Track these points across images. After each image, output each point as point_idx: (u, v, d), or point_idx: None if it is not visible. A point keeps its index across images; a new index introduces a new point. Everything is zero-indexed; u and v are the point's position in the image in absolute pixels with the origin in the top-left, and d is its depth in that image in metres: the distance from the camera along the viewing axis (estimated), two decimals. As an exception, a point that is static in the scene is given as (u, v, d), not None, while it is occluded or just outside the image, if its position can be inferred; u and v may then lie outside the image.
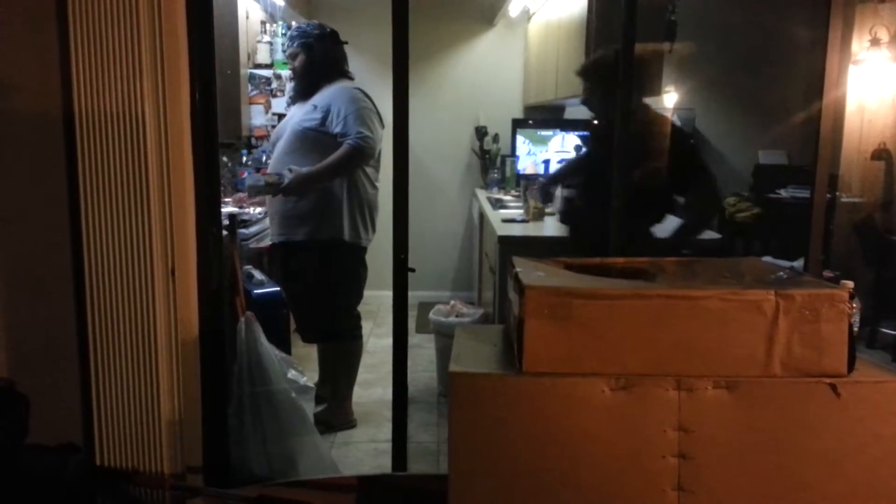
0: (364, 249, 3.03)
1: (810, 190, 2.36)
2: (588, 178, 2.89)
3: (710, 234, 3.22)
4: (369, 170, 2.93)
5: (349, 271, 2.99)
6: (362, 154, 2.78)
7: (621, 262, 1.86)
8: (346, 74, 3.05)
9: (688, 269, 1.77)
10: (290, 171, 2.68)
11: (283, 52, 4.10)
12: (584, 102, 2.92)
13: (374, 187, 3.00)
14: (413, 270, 2.06)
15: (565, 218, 3.08)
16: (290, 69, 3.09)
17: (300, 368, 2.16)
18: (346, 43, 3.09)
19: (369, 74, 5.02)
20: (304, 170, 2.71)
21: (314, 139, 2.80)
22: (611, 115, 2.55)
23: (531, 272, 1.61)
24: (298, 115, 2.88)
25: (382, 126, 2.89)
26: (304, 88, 2.94)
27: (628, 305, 1.42)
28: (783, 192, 4.79)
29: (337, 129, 2.77)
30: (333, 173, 2.79)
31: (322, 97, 2.88)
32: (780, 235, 4.59)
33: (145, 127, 1.74)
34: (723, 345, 1.41)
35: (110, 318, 1.78)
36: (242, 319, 2.05)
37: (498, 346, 1.67)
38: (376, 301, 5.02)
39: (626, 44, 1.99)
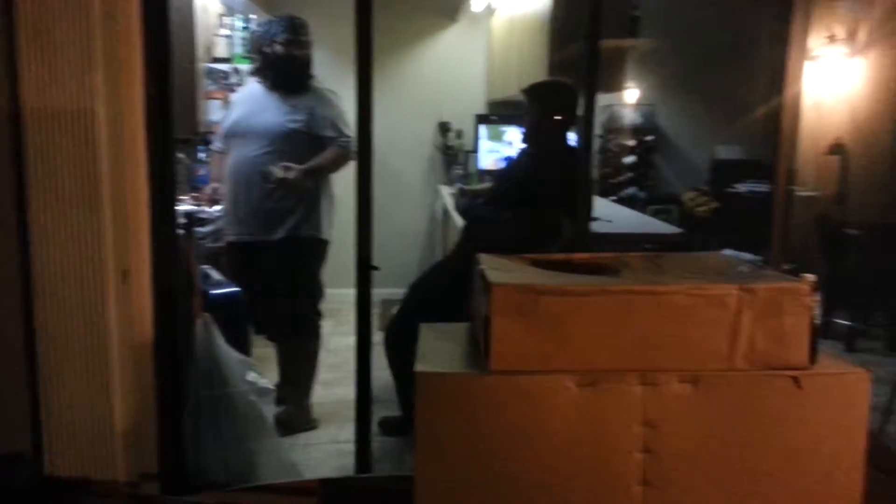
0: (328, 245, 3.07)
1: (770, 184, 2.39)
2: (506, 186, 2.99)
3: (671, 229, 3.25)
4: None
5: (319, 267, 3.04)
6: (351, 156, 2.79)
7: (586, 257, 1.85)
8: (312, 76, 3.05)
9: (653, 263, 1.77)
10: (286, 167, 2.72)
11: (246, 46, 4.02)
12: (520, 119, 3.01)
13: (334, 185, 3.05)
14: (377, 269, 2.03)
15: (466, 215, 3.17)
16: (276, 55, 2.89)
17: (259, 370, 2.11)
18: None
19: (330, 69, 4.96)
20: (304, 166, 2.75)
21: (298, 140, 2.82)
22: (541, 138, 2.80)
23: (496, 269, 1.59)
24: (273, 114, 2.84)
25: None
26: (291, 83, 2.91)
27: (594, 301, 1.41)
28: (740, 187, 4.88)
29: (326, 133, 2.84)
30: (324, 172, 2.87)
31: (302, 99, 2.89)
32: (739, 229, 4.66)
33: (97, 122, 1.67)
34: (687, 339, 1.41)
35: (60, 320, 1.71)
36: (199, 321, 1.99)
37: (464, 345, 1.65)
38: (338, 299, 4.94)
39: (591, 39, 1.98)
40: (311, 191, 2.85)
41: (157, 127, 1.79)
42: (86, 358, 1.73)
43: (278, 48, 2.85)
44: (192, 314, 2.00)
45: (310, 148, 2.83)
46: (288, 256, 2.82)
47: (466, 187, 3.79)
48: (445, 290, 2.77)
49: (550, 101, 2.81)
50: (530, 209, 2.71)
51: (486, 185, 3.85)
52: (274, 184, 2.71)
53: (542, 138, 2.82)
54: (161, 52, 1.78)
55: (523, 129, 2.94)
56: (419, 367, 1.46)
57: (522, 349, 1.41)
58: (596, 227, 3.27)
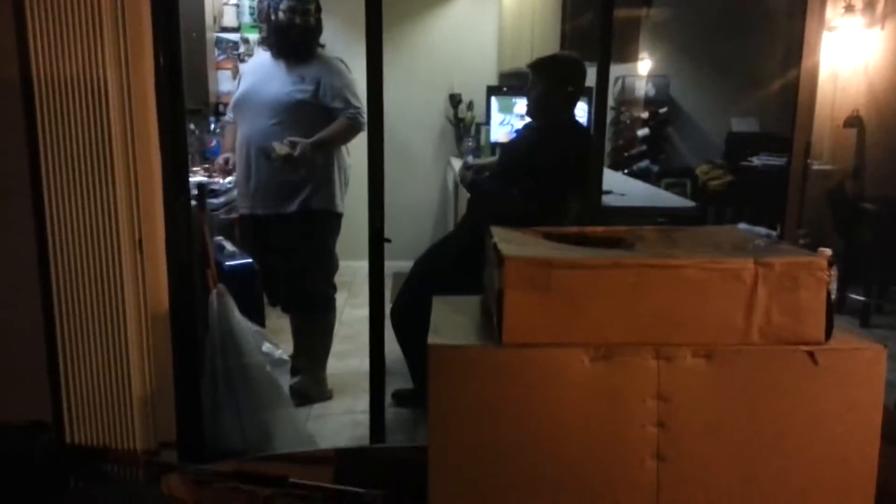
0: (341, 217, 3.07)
1: (787, 158, 2.36)
2: (512, 160, 2.97)
3: (685, 202, 3.23)
4: None
5: (333, 240, 3.04)
6: (360, 127, 2.79)
7: (600, 231, 1.84)
8: (322, 45, 3.00)
9: (667, 237, 1.76)
10: (292, 142, 2.67)
11: (254, 15, 3.97)
12: (525, 93, 3.00)
13: (348, 153, 3.01)
14: (389, 241, 2.03)
15: (472, 188, 3.14)
16: (288, 23, 2.80)
17: (274, 341, 2.13)
18: None
19: (340, 39, 4.92)
20: (311, 140, 2.70)
21: (307, 112, 2.78)
22: (547, 112, 2.76)
23: (510, 242, 1.59)
24: (280, 84, 2.79)
25: None
26: (296, 52, 2.84)
27: (608, 275, 1.41)
28: (755, 160, 4.83)
29: (334, 104, 2.79)
30: (332, 145, 2.83)
31: (310, 69, 2.83)
32: (753, 203, 4.63)
33: (108, 93, 1.67)
34: (702, 313, 1.41)
35: (76, 291, 1.72)
36: (214, 292, 2.00)
37: (476, 318, 1.65)
38: (351, 272, 4.98)
39: (605, 8, 1.94)
40: (321, 163, 2.82)
41: (168, 97, 1.78)
42: (103, 328, 1.74)
43: (281, 15, 2.79)
44: (206, 285, 2.01)
45: (318, 119, 2.79)
46: (301, 230, 2.81)
47: (471, 161, 3.76)
48: (452, 263, 2.76)
49: (558, 75, 2.77)
50: (536, 184, 2.70)
51: (492, 158, 3.83)
52: (276, 161, 2.67)
53: (548, 112, 2.79)
54: (169, 21, 1.77)
55: (528, 103, 2.88)
56: (432, 339, 1.46)
57: (535, 322, 1.41)
58: (608, 200, 3.26)
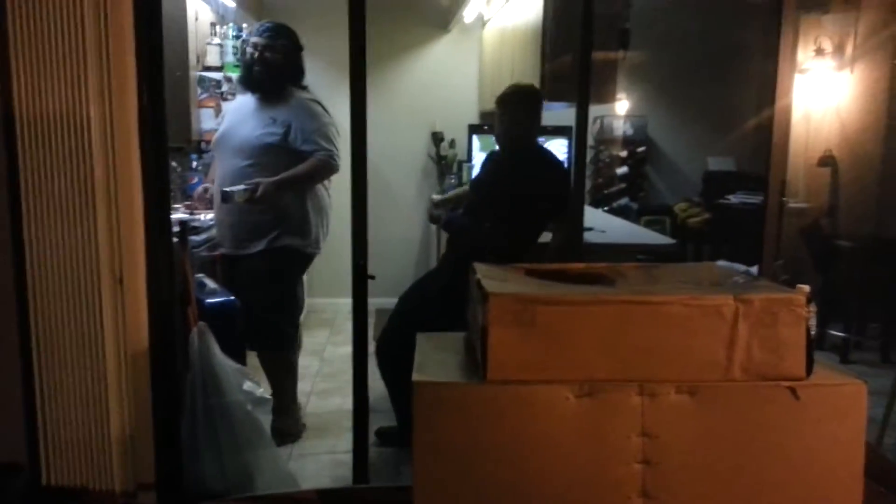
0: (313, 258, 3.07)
1: (763, 195, 2.41)
2: (483, 192, 3.05)
3: (664, 239, 3.27)
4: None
5: (296, 280, 3.02)
6: (330, 170, 2.82)
7: (580, 267, 1.85)
8: (303, 86, 3.01)
9: (647, 274, 1.78)
10: (255, 184, 2.65)
11: (235, 53, 4.01)
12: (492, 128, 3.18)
13: (328, 195, 3.03)
14: (373, 278, 2.03)
15: (447, 227, 3.21)
16: (253, 58, 2.82)
17: (256, 379, 2.10)
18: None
19: (323, 79, 4.97)
20: (274, 179, 2.68)
21: (277, 154, 2.76)
22: (515, 141, 2.88)
23: (493, 278, 1.59)
24: (252, 126, 2.79)
25: (339, 136, 2.87)
26: (264, 90, 2.83)
27: (591, 311, 1.42)
28: (732, 198, 4.91)
29: (304, 147, 2.78)
30: (299, 184, 2.80)
31: (282, 111, 2.82)
32: (731, 240, 4.69)
33: (90, 130, 1.67)
34: (684, 349, 1.42)
35: (55, 329, 1.70)
36: (195, 330, 1.98)
37: (461, 355, 1.65)
38: (332, 308, 4.96)
39: (583, 51, 1.99)
40: (292, 203, 2.80)
41: (151, 134, 1.79)
42: (81, 366, 1.72)
43: (249, 51, 2.82)
44: (187, 322, 1.99)
45: (290, 162, 2.76)
46: (265, 268, 2.78)
47: (436, 197, 3.79)
48: (435, 300, 2.79)
49: (519, 105, 2.87)
50: (509, 213, 2.75)
51: (457, 191, 3.92)
52: (235, 205, 2.64)
53: (515, 141, 2.88)
54: (153, 59, 1.78)
55: (496, 137, 3.00)
56: (416, 376, 1.46)
57: (520, 359, 1.41)
58: (589, 237, 3.29)
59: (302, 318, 4.57)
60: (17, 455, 1.71)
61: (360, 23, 1.97)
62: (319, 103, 2.94)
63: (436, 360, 1.59)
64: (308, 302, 4.97)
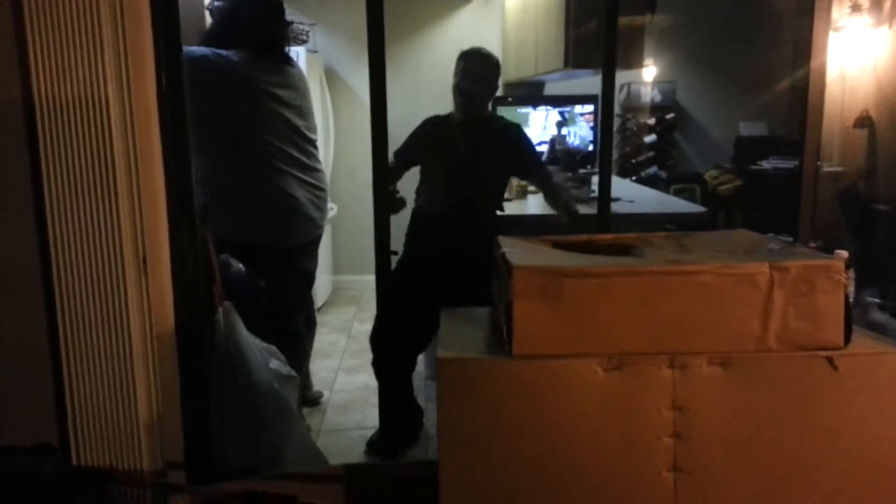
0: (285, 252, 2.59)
1: (799, 160, 2.33)
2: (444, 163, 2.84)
3: (694, 208, 3.19)
4: (292, 150, 2.52)
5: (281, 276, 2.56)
6: None
7: (609, 238, 1.81)
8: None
9: (678, 243, 1.73)
10: None
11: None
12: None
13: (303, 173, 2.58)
14: (395, 253, 2.01)
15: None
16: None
17: (283, 357, 2.10)
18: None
19: (343, 54, 4.94)
20: None
21: None
22: (472, 108, 2.76)
23: (518, 251, 1.56)
24: None
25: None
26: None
27: (620, 283, 1.38)
28: (764, 164, 4.79)
29: None
30: None
31: None
32: (763, 206, 4.58)
33: (110, 111, 1.66)
34: (717, 320, 1.37)
35: (81, 312, 1.71)
36: (220, 310, 1.98)
37: (486, 330, 1.63)
38: (359, 286, 4.97)
39: (609, 14, 1.92)
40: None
41: (171, 115, 1.77)
42: (108, 348, 1.72)
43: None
44: (213, 302, 1.99)
45: None
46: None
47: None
48: (410, 289, 2.63)
49: (488, 69, 2.82)
50: (481, 178, 2.72)
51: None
52: None
53: (479, 107, 2.82)
54: (171, 39, 1.76)
55: (461, 102, 2.83)
56: (441, 352, 1.43)
57: (547, 333, 1.38)
58: (617, 207, 3.23)
59: (324, 299, 4.59)
60: (48, 437, 1.73)
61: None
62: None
63: (460, 335, 1.57)
64: (334, 279, 4.99)
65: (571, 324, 1.38)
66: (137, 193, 1.71)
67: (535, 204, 3.36)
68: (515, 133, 2.86)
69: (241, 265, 2.32)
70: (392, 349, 2.54)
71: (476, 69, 2.74)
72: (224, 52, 2.39)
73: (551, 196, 2.87)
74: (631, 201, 3.24)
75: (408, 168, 2.89)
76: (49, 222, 1.67)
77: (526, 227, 3.09)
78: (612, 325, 1.38)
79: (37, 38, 1.62)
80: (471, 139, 2.75)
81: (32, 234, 1.69)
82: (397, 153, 2.81)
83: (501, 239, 1.70)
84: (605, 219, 2.03)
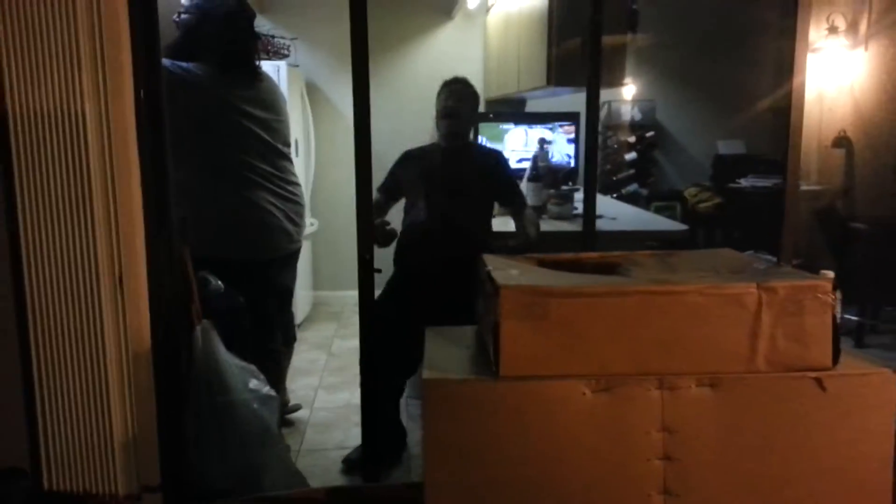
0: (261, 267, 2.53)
1: (776, 179, 2.34)
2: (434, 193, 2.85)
3: (675, 225, 3.20)
4: (264, 165, 2.47)
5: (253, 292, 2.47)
6: None
7: (595, 256, 1.80)
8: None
9: (663, 262, 1.72)
10: None
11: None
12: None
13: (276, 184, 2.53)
14: (379, 271, 1.98)
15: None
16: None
17: (262, 377, 2.05)
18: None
19: (324, 68, 4.92)
20: None
21: None
22: (455, 137, 2.85)
23: (504, 271, 1.54)
24: None
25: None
26: None
27: (607, 303, 1.36)
28: (743, 182, 4.84)
29: None
30: None
31: None
32: (743, 225, 4.62)
33: (86, 125, 1.62)
34: (705, 341, 1.36)
35: (54, 331, 1.66)
36: (199, 328, 1.93)
37: (472, 349, 1.60)
38: (339, 302, 4.92)
39: (594, 33, 1.92)
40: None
41: (149, 128, 1.74)
42: (82, 368, 1.67)
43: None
44: (190, 321, 1.94)
45: None
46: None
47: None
48: (399, 312, 2.61)
49: (470, 98, 2.90)
50: (468, 206, 2.76)
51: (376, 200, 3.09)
52: None
53: (460, 136, 2.89)
54: (151, 50, 1.73)
55: (445, 133, 2.91)
56: (426, 373, 1.40)
57: (534, 353, 1.36)
58: (600, 224, 3.23)
59: (304, 315, 4.53)
60: (18, 460, 1.67)
61: (361, 12, 1.90)
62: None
63: (446, 354, 1.54)
64: (314, 295, 4.94)
65: (559, 344, 1.36)
66: (114, 209, 1.67)
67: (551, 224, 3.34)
68: (495, 160, 2.96)
69: (219, 282, 2.27)
70: (381, 373, 2.51)
71: (456, 99, 2.82)
72: (184, 65, 2.36)
73: (519, 224, 2.88)
74: (613, 218, 3.24)
75: (395, 201, 2.92)
76: (22, 239, 1.63)
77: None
78: (599, 345, 1.36)
79: (10, 49, 1.58)
80: (453, 167, 2.82)
81: (4, 250, 1.64)
82: (381, 188, 2.86)
83: (486, 257, 1.68)
84: (591, 237, 2.02)
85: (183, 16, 2.46)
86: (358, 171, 1.92)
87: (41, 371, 1.66)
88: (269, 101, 2.58)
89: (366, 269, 1.96)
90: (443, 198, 2.76)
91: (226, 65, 2.44)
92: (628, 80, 4.64)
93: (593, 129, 2.02)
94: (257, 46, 2.60)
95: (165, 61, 2.33)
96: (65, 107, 1.61)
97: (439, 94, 2.87)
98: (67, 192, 1.63)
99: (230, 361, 1.98)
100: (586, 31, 2.95)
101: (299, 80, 4.60)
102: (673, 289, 1.36)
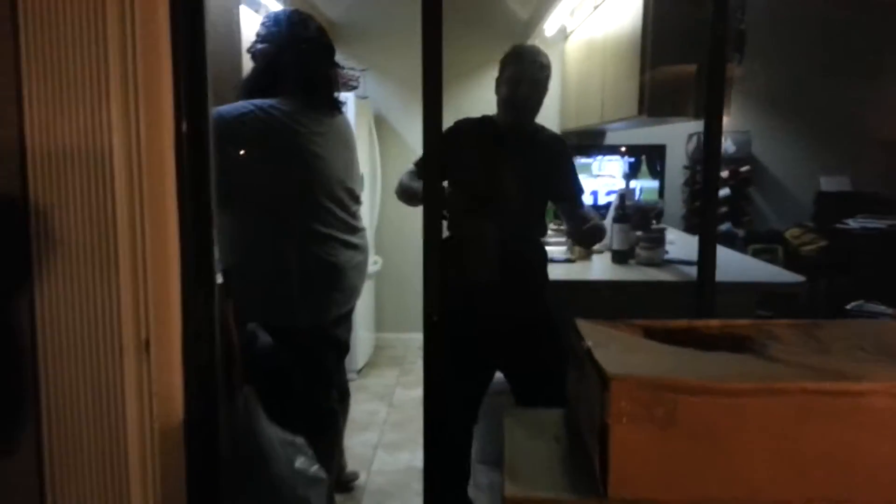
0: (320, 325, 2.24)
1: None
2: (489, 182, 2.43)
3: (788, 276, 2.78)
4: (337, 209, 2.20)
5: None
6: None
7: (716, 325, 1.45)
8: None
9: (809, 336, 1.36)
10: None
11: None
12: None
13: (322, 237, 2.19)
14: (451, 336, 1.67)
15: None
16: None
17: (310, 453, 1.77)
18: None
19: (393, 100, 4.72)
20: None
21: None
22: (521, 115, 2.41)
23: (607, 347, 1.21)
24: None
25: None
26: None
27: (758, 404, 1.01)
28: (851, 223, 4.34)
29: None
30: None
31: None
32: (851, 271, 4.12)
33: (112, 162, 1.38)
34: (890, 460, 1.00)
35: (67, 401, 1.41)
36: (240, 396, 1.67)
37: (562, 442, 1.28)
38: (402, 345, 4.63)
39: (715, 55, 1.60)
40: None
41: (191, 169, 1.49)
42: (98, 449, 1.42)
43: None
44: (231, 388, 1.68)
45: None
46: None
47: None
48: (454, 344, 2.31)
49: (542, 70, 2.50)
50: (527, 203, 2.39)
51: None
52: None
53: (529, 112, 2.47)
54: (196, 76, 1.49)
55: (506, 106, 2.47)
56: (509, 487, 1.09)
57: (654, 470, 1.02)
58: (692, 271, 2.84)
59: (365, 360, 4.25)
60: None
61: (435, 39, 1.64)
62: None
63: (530, 455, 1.23)
64: (376, 337, 4.67)
65: (689, 458, 1.03)
66: (143, 262, 1.42)
67: (601, 268, 2.99)
68: (562, 148, 2.52)
69: (268, 337, 2.01)
70: (441, 423, 2.24)
71: (528, 73, 2.40)
72: (267, 104, 2.11)
73: (574, 223, 2.51)
74: (713, 266, 2.84)
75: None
76: (36, 293, 1.39)
77: (591, 292, 2.72)
78: (746, 462, 1.02)
79: (31, 72, 1.37)
80: (514, 147, 2.40)
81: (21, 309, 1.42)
82: (419, 163, 2.39)
83: (580, 324, 1.36)
84: (709, 299, 1.66)
85: (259, 46, 2.23)
86: (427, 213, 1.63)
87: (52, 451, 1.42)
88: (347, 136, 2.34)
89: (433, 331, 1.66)
90: (496, 182, 2.36)
91: (307, 97, 2.20)
92: (728, 109, 4.25)
93: (714, 164, 1.69)
94: (337, 76, 2.36)
95: (247, 104, 2.10)
96: (88, 140, 1.38)
97: (505, 65, 2.47)
98: (88, 243, 1.39)
99: (275, 435, 1.71)
100: (690, 55, 2.64)
101: (367, 112, 4.41)
102: (850, 387, 1.01)
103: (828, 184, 4.67)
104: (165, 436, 1.48)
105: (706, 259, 1.61)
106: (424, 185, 1.65)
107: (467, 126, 2.44)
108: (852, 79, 4.29)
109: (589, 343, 1.22)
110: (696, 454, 1.02)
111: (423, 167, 1.67)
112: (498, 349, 2.35)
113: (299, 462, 1.71)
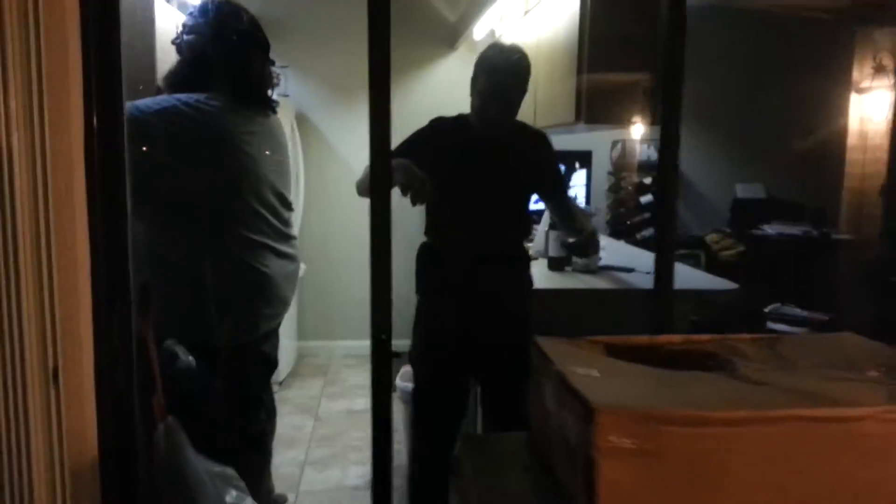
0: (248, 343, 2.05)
1: (802, 226, 1.96)
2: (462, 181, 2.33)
3: (724, 283, 2.80)
4: (269, 215, 2.03)
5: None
6: None
7: (678, 341, 1.39)
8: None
9: (772, 352, 1.32)
10: None
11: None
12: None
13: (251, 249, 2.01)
14: (398, 356, 1.55)
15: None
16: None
17: (243, 485, 1.61)
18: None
19: (315, 99, 4.54)
20: None
21: None
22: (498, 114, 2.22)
23: (580, 370, 1.13)
24: None
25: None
26: None
27: (752, 433, 0.95)
28: (767, 229, 4.49)
29: None
30: None
31: None
32: (769, 276, 4.26)
33: (13, 166, 1.19)
34: (881, 488, 0.96)
35: (-41, 445, 1.21)
36: (161, 426, 1.49)
37: (531, 473, 1.19)
38: (326, 353, 4.44)
39: (673, 59, 1.55)
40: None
41: (102, 171, 1.31)
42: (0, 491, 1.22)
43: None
44: (151, 418, 1.50)
45: None
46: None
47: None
48: (436, 360, 2.34)
49: (521, 68, 2.30)
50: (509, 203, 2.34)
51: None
52: None
53: (508, 110, 2.28)
54: (108, 71, 1.32)
55: (482, 105, 2.25)
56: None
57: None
58: (632, 279, 2.83)
59: (288, 370, 4.06)
60: None
61: (383, 44, 1.52)
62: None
63: (495, 489, 1.13)
64: (298, 345, 4.47)
65: (679, 491, 0.95)
66: (49, 278, 1.23)
67: (538, 275, 2.93)
68: (545, 143, 2.39)
69: (190, 357, 1.83)
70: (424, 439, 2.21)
71: (506, 75, 2.22)
72: (192, 99, 1.91)
73: (568, 219, 2.49)
74: (648, 272, 2.84)
75: None
76: (-83, 320, 1.18)
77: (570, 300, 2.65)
78: (736, 491, 0.95)
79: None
80: (492, 146, 2.25)
81: None
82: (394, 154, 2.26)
83: (542, 343, 1.28)
84: (667, 313, 1.61)
85: (186, 37, 2.01)
86: (375, 229, 1.51)
87: (-63, 503, 1.21)
88: (280, 138, 2.15)
89: (382, 352, 1.53)
90: (475, 185, 2.25)
91: (240, 94, 2.00)
92: (636, 118, 4.31)
93: (672, 172, 1.65)
94: (272, 74, 2.16)
95: (170, 98, 1.89)
96: (-17, 140, 1.18)
97: (480, 64, 2.26)
98: (-18, 257, 1.19)
99: (202, 467, 1.54)
100: (627, 62, 2.63)
101: (290, 111, 4.21)
102: (845, 413, 0.96)
103: (743, 191, 4.83)
104: (77, 477, 1.30)
105: (664, 271, 1.56)
106: (372, 198, 1.52)
107: (444, 127, 2.33)
108: (769, 92, 4.44)
109: (557, 366, 1.14)
110: (687, 486, 0.95)
111: (370, 180, 1.53)
112: (478, 357, 2.28)
113: (230, 497, 1.55)
